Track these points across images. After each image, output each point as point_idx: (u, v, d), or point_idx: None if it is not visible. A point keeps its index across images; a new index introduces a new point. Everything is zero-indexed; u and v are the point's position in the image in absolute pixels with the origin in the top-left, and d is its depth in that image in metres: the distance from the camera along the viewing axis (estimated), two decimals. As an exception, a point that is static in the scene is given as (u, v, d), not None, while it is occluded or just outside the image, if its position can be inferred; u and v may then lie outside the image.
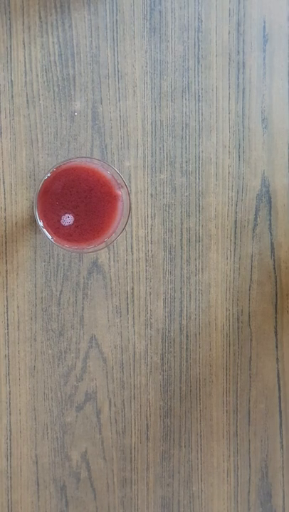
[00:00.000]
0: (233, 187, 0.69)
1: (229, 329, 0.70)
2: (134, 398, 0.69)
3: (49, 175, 0.60)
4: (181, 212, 0.69)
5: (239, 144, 0.69)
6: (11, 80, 0.66)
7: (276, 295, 0.71)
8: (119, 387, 0.69)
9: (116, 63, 0.67)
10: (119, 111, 0.67)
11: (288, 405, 0.72)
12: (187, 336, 0.69)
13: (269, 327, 0.71)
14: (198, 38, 0.68)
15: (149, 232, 0.68)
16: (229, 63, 0.68)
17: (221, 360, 0.70)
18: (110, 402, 0.69)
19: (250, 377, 0.71)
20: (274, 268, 0.70)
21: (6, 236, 0.67)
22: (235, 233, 0.70)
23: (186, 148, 0.68)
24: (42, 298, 0.67)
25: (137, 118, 0.67)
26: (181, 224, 0.69)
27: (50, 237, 0.61)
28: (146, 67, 0.67)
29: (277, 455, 0.72)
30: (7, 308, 0.67)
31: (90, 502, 0.70)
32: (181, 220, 0.69)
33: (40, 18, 0.66)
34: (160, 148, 0.68)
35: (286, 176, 0.70)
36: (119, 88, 0.67)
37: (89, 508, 0.70)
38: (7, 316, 0.67)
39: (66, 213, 0.61)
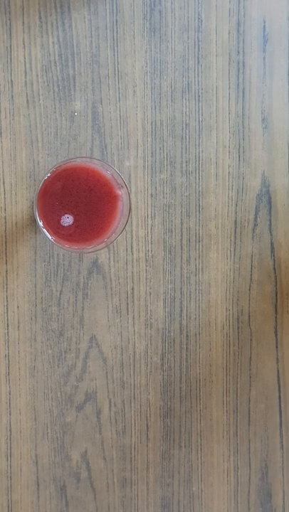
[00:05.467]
0: (233, 187, 0.69)
1: (229, 329, 0.70)
2: (134, 398, 0.69)
3: (49, 175, 0.60)
4: (181, 212, 0.69)
5: (239, 144, 0.69)
6: (11, 80, 0.66)
7: (276, 295, 0.71)
8: (119, 387, 0.69)
9: (116, 63, 0.67)
10: (119, 111, 0.67)
11: (288, 405, 0.72)
12: (187, 336, 0.69)
13: (269, 327, 0.71)
14: (198, 38, 0.68)
15: (149, 232, 0.68)
16: (229, 63, 0.68)
17: (221, 360, 0.70)
18: (110, 402, 0.69)
19: (250, 377, 0.71)
20: (274, 268, 0.71)
21: (6, 236, 0.67)
22: (235, 233, 0.70)
23: (186, 148, 0.68)
24: (42, 298, 0.67)
25: (137, 118, 0.67)
26: (181, 224, 0.69)
27: (50, 237, 0.61)
28: (146, 67, 0.67)
29: (277, 455, 0.72)
30: (7, 308, 0.67)
31: (90, 502, 0.70)
32: (181, 220, 0.69)
33: (40, 18, 0.66)
34: (160, 148, 0.68)
35: (286, 175, 0.70)
36: (119, 88, 0.67)
37: (89, 508, 0.70)
38: (7, 316, 0.67)
39: (66, 213, 0.61)
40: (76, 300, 0.68)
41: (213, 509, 0.71)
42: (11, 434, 0.68)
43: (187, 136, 0.68)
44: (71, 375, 0.68)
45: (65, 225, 0.61)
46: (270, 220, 0.70)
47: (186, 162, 0.68)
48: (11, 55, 0.66)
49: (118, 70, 0.67)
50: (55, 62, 0.66)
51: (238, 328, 0.70)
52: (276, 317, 0.71)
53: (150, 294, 0.69)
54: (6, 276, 0.67)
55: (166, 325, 0.69)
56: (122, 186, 0.61)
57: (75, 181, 0.61)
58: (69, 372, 0.68)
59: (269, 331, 0.71)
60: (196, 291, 0.69)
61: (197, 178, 0.69)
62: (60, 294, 0.68)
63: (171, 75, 0.68)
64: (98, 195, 0.61)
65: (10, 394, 0.68)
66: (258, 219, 0.70)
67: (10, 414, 0.68)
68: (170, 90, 0.68)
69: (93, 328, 0.68)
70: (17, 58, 0.66)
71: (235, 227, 0.70)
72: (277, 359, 0.71)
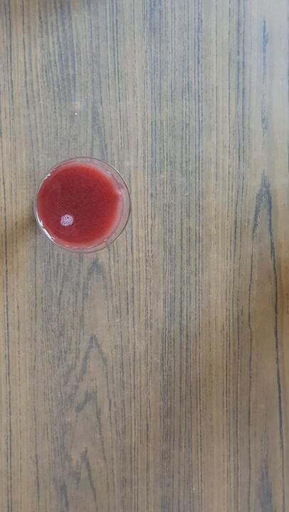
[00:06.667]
0: (233, 187, 0.69)
1: (229, 329, 0.70)
2: (134, 398, 0.69)
3: (49, 175, 0.60)
4: (181, 212, 0.69)
5: (239, 144, 0.69)
6: (11, 80, 0.66)
7: (276, 295, 0.71)
8: (119, 387, 0.69)
9: (116, 63, 0.67)
10: (119, 111, 0.67)
11: (288, 405, 0.72)
12: (187, 335, 0.69)
13: (269, 327, 0.71)
14: (198, 38, 0.68)
15: (149, 232, 0.68)
16: (229, 63, 0.68)
17: (221, 360, 0.70)
18: (110, 402, 0.69)
19: (250, 377, 0.71)
20: (274, 268, 0.71)
21: (6, 236, 0.67)
22: (235, 233, 0.70)
23: (186, 148, 0.68)
24: (42, 298, 0.67)
25: (137, 118, 0.67)
26: (181, 224, 0.69)
27: (50, 237, 0.61)
28: (146, 67, 0.67)
29: (277, 455, 0.72)
30: (7, 308, 0.67)
31: (90, 502, 0.70)
32: (181, 220, 0.69)
33: (40, 18, 0.66)
34: (160, 148, 0.68)
35: (286, 175, 0.70)
36: (119, 88, 0.67)
37: (89, 508, 0.70)
38: (7, 316, 0.67)
39: (66, 213, 0.61)
40: (76, 300, 0.68)
41: (213, 509, 0.71)
42: (11, 434, 0.68)
43: (187, 136, 0.68)
44: (71, 375, 0.68)
45: (65, 225, 0.61)
46: (270, 220, 0.70)
47: (186, 162, 0.68)
48: (11, 55, 0.66)
49: (118, 70, 0.67)
50: (55, 62, 0.66)
51: (238, 328, 0.70)
52: (276, 317, 0.71)
53: (150, 294, 0.69)
54: (6, 276, 0.67)
55: (166, 325, 0.69)
56: (122, 186, 0.61)
57: (75, 181, 0.61)
58: (69, 372, 0.68)
59: (269, 331, 0.71)
60: (196, 291, 0.69)
61: (197, 178, 0.69)
62: (60, 294, 0.68)
63: (171, 75, 0.68)
64: (98, 195, 0.61)
65: (10, 394, 0.68)
66: (258, 219, 0.70)
67: (10, 414, 0.68)
68: (170, 90, 0.68)
69: (93, 328, 0.68)
70: (17, 58, 0.66)
71: (235, 227, 0.70)
72: (277, 359, 0.71)
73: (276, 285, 0.71)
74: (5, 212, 0.67)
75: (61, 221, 0.61)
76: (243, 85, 0.69)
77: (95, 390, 0.69)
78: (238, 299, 0.70)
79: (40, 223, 0.61)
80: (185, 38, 0.68)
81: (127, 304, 0.68)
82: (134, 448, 0.70)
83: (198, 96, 0.68)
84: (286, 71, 0.69)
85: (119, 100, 0.67)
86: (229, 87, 0.69)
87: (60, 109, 0.67)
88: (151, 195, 0.68)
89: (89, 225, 0.61)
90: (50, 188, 0.60)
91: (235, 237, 0.70)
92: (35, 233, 0.67)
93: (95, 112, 0.67)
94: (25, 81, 0.66)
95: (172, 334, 0.69)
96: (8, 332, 0.67)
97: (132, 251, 0.68)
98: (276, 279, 0.71)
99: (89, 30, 0.66)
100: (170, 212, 0.68)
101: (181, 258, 0.69)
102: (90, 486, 0.70)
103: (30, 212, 0.67)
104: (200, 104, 0.68)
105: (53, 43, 0.66)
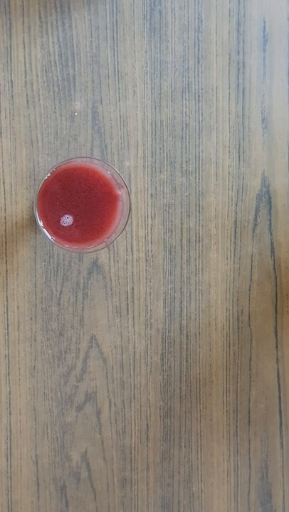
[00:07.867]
0: (233, 187, 0.69)
1: (229, 329, 0.70)
2: (134, 398, 0.69)
3: (49, 175, 0.60)
4: (181, 212, 0.69)
5: (239, 144, 0.69)
6: (11, 80, 0.66)
7: (276, 295, 0.71)
8: (119, 387, 0.69)
9: (116, 63, 0.67)
10: (119, 111, 0.67)
11: (288, 405, 0.72)
12: (187, 336, 0.69)
13: (269, 327, 0.71)
14: (198, 38, 0.68)
15: (149, 232, 0.68)
16: (229, 63, 0.68)
17: (221, 360, 0.70)
18: (110, 402, 0.69)
19: (250, 377, 0.71)
20: (274, 268, 0.71)
21: (6, 236, 0.67)
22: (235, 233, 0.70)
23: (186, 148, 0.68)
24: (42, 298, 0.67)
25: (137, 118, 0.67)
26: (181, 224, 0.69)
27: (50, 237, 0.61)
28: (146, 67, 0.67)
29: (277, 455, 0.72)
30: (7, 308, 0.67)
31: (90, 502, 0.70)
32: (181, 220, 0.69)
33: (40, 18, 0.66)
34: (160, 148, 0.68)
35: (286, 175, 0.70)
36: (119, 88, 0.67)
37: (89, 508, 0.70)
38: (7, 316, 0.67)
39: (66, 214, 0.61)
40: (76, 300, 0.68)
41: (213, 509, 0.71)
42: (11, 434, 0.68)
43: (187, 136, 0.68)
44: (71, 375, 0.68)
45: (65, 225, 0.61)
46: (270, 220, 0.70)
47: (186, 162, 0.68)
48: (11, 55, 0.66)
49: (118, 70, 0.67)
50: (55, 62, 0.66)
51: (238, 328, 0.70)
52: (276, 317, 0.71)
53: (150, 294, 0.69)
54: (6, 276, 0.67)
55: (166, 325, 0.69)
56: (122, 186, 0.61)
57: (75, 181, 0.61)
58: (69, 372, 0.68)
59: (269, 331, 0.71)
60: (196, 291, 0.69)
61: (197, 178, 0.69)
62: (60, 294, 0.68)
63: (171, 75, 0.68)
64: (98, 195, 0.61)
65: (10, 394, 0.68)
66: (258, 219, 0.70)
67: (10, 414, 0.68)
68: (170, 90, 0.68)
69: (93, 328, 0.68)
70: (17, 58, 0.66)
71: (235, 227, 0.70)
72: (277, 359, 0.71)
73: (276, 285, 0.71)
74: (5, 212, 0.67)
75: (61, 221, 0.61)
76: (243, 85, 0.69)
77: (95, 390, 0.69)
78: (238, 299, 0.70)
79: (40, 223, 0.61)
80: (185, 38, 0.68)
81: (127, 304, 0.68)
82: (134, 448, 0.70)
83: (198, 96, 0.68)
84: (286, 71, 0.69)
85: (119, 100, 0.67)
86: (229, 87, 0.69)
87: (60, 109, 0.67)
88: (151, 195, 0.68)
89: (89, 225, 0.61)
90: (50, 188, 0.60)
91: (235, 237, 0.70)
92: (35, 233, 0.67)
93: (95, 112, 0.67)
94: (25, 81, 0.66)
95: (172, 334, 0.69)
96: (8, 332, 0.67)
97: (132, 251, 0.68)
98: (276, 279, 0.71)
99: (89, 30, 0.66)
100: (170, 212, 0.68)
101: (181, 258, 0.69)
102: (90, 486, 0.70)
103: (30, 212, 0.67)
104: (200, 104, 0.68)
105: (53, 43, 0.66)
